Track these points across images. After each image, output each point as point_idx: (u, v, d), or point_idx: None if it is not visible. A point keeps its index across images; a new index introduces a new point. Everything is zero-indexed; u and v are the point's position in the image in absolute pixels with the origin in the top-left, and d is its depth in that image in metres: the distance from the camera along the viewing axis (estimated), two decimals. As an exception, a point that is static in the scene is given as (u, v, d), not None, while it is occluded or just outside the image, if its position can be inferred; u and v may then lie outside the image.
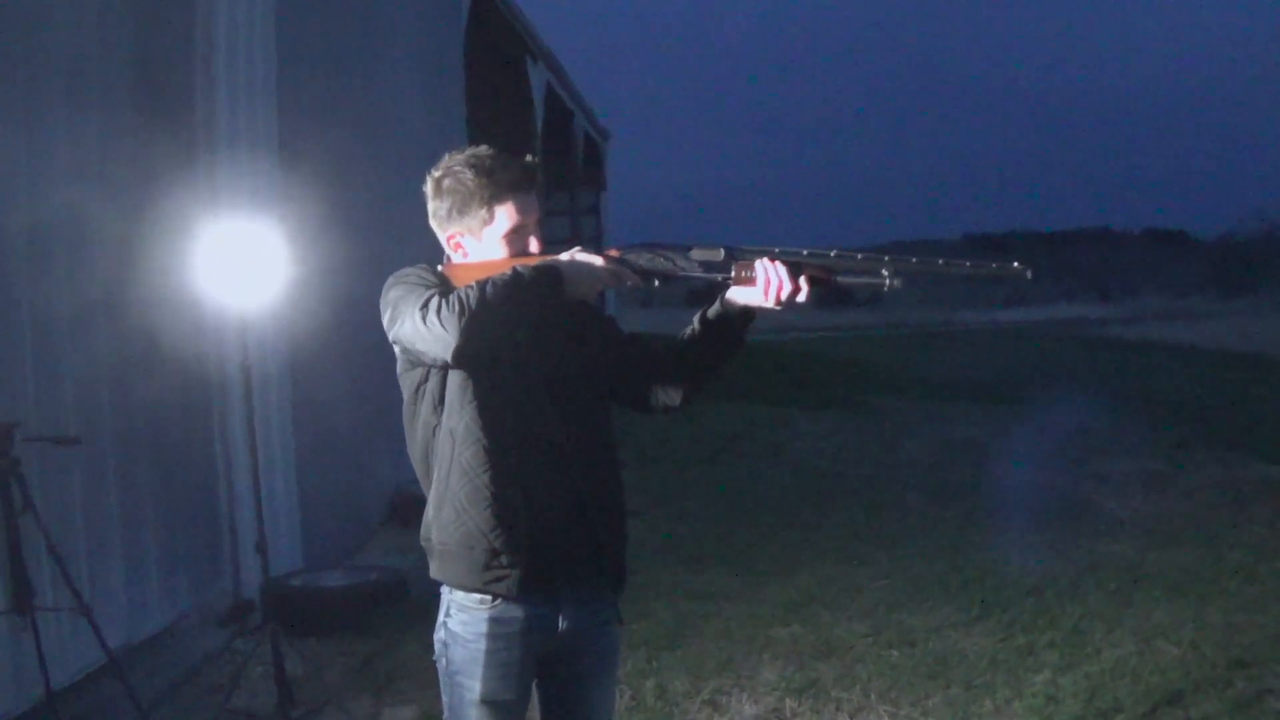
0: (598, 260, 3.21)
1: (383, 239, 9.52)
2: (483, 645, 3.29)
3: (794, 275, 3.13)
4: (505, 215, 3.28)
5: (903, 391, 21.41)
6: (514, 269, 3.04)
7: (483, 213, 3.28)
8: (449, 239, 3.35)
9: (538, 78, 20.45)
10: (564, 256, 3.18)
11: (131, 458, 6.58)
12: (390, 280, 3.21)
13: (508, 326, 3.01)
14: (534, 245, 3.32)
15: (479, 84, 15.78)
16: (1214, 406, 19.58)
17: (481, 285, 2.96)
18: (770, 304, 3.15)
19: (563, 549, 3.29)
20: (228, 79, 7.69)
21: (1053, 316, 55.90)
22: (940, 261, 3.16)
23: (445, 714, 3.42)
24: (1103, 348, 35.48)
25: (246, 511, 7.07)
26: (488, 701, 3.30)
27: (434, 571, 3.37)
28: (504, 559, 3.22)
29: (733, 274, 3.21)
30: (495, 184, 3.27)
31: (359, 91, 10.28)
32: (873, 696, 6.32)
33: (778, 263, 3.13)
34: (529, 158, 3.38)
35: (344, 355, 8.69)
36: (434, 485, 3.31)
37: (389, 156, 10.28)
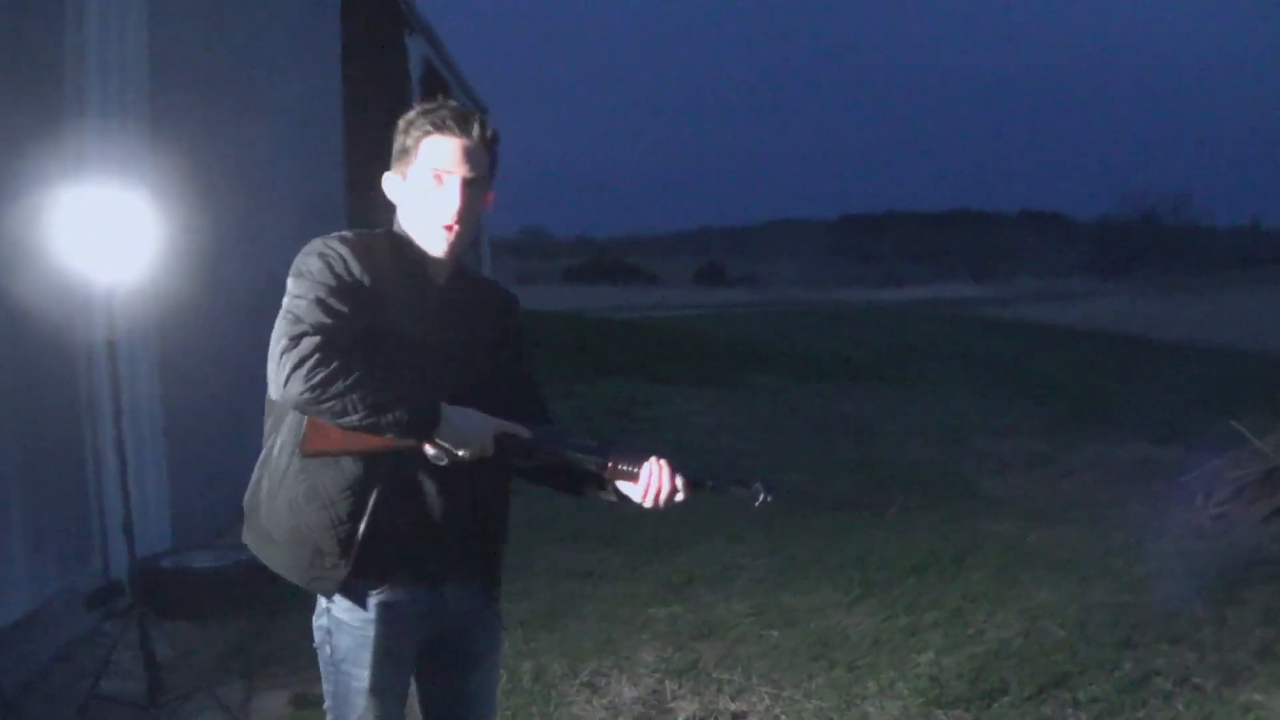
0: (489, 427, 3.10)
1: (256, 212, 9.33)
2: (370, 631, 3.18)
3: (673, 477, 3.14)
4: (425, 152, 3.17)
5: (783, 370, 21.52)
6: (400, 398, 2.94)
7: (409, 144, 3.20)
8: (385, 177, 3.28)
9: (416, 51, 20.21)
10: (459, 410, 3.06)
11: (-7, 434, 6.37)
12: (299, 260, 3.08)
13: (351, 425, 2.93)
14: (456, 199, 3.16)
15: (356, 57, 15.56)
16: (1092, 387, 19.89)
17: (359, 383, 2.88)
18: (648, 504, 3.16)
19: (411, 550, 3.18)
20: (99, 48, 7.47)
21: (929, 296, 56.59)
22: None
23: (328, 703, 3.29)
24: (980, 328, 35.97)
25: (114, 490, 6.87)
26: (376, 690, 3.20)
27: (253, 547, 3.25)
28: (327, 560, 3.12)
29: (609, 464, 3.18)
30: (425, 119, 3.19)
31: (232, 63, 10.06)
32: (754, 678, 6.28)
33: (664, 463, 3.14)
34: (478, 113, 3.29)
35: (216, 329, 8.51)
36: (272, 459, 3.17)
37: (263, 129, 10.04)
